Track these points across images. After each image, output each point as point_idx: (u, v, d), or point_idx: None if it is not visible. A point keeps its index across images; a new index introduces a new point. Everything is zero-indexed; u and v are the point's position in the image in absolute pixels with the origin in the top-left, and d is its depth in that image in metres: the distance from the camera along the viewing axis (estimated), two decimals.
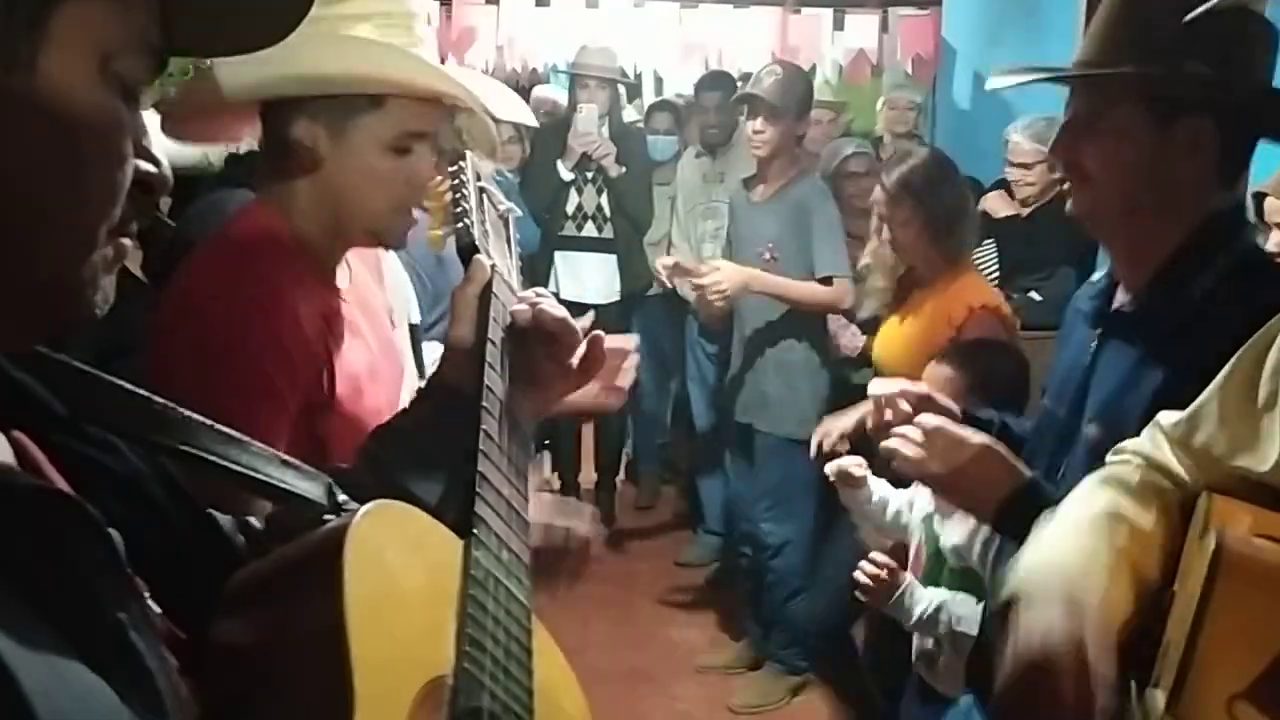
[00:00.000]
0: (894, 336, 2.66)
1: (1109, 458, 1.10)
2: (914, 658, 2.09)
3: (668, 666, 3.54)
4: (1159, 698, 0.84)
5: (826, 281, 3.15)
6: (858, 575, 1.99)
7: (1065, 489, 1.21)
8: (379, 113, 1.14)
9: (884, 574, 1.96)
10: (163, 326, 1.17)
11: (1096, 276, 1.47)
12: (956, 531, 1.96)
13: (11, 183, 0.49)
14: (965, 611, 1.93)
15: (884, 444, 1.36)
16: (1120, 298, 1.36)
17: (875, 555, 2.01)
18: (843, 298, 3.14)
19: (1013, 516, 1.26)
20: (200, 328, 1.13)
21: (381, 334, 1.34)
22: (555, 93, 4.94)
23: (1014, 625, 0.92)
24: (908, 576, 1.99)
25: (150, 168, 0.56)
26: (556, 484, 4.71)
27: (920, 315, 2.57)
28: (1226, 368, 0.99)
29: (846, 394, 3.55)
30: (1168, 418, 1.05)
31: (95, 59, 0.51)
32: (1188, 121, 1.24)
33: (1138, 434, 1.19)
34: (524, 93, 5.13)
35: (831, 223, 3.18)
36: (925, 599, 1.97)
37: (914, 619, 1.96)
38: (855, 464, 2.10)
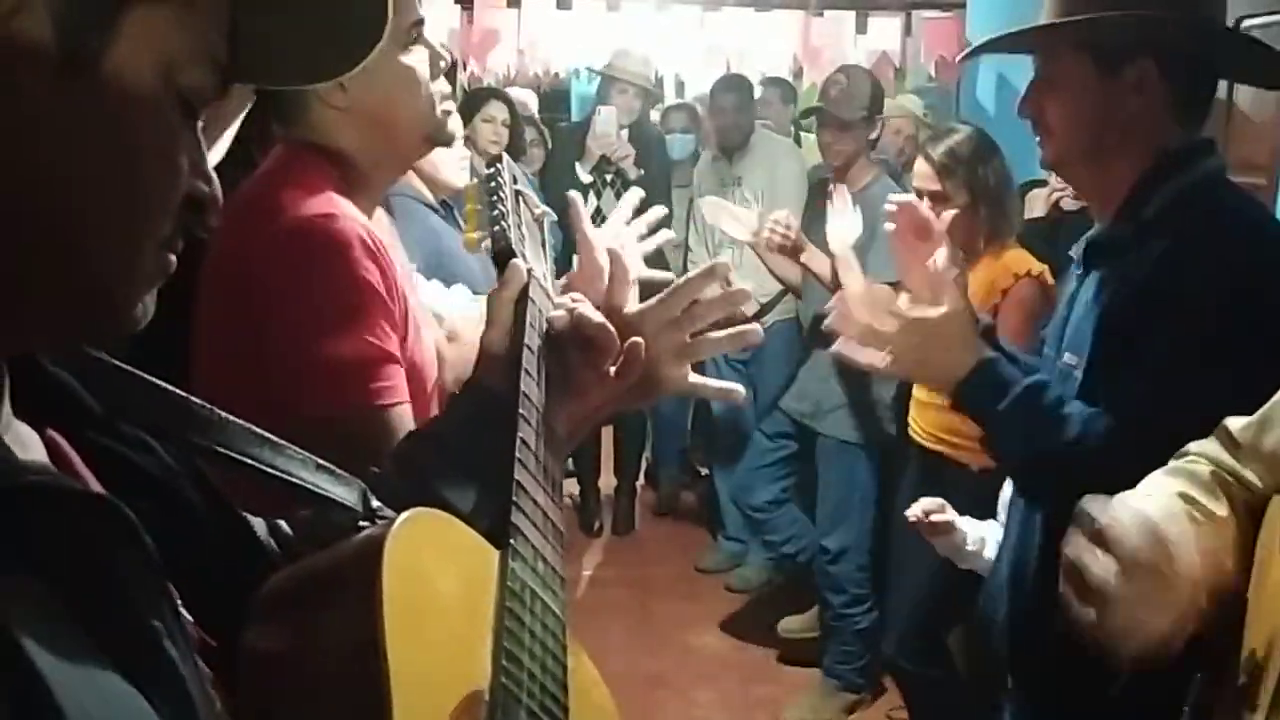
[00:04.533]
0: None
1: (1173, 460, 1.08)
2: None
3: (686, 672, 3.52)
4: (1254, 709, 0.82)
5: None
6: (908, 514, 1.94)
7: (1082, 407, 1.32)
8: None
9: (931, 518, 1.91)
10: (242, 279, 1.11)
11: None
12: None
13: (61, 181, 0.48)
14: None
15: (827, 321, 1.41)
16: (1095, 235, 1.46)
17: (923, 502, 1.96)
18: None
19: (976, 391, 1.35)
20: (292, 264, 1.07)
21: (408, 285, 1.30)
22: (523, 94, 4.92)
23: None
24: (964, 527, 1.93)
25: (204, 186, 0.54)
26: (575, 488, 4.70)
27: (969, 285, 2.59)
28: None
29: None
30: (1235, 422, 1.03)
31: (159, 67, 0.50)
32: (1133, 68, 1.33)
33: (1094, 360, 1.31)
34: (545, 96, 5.15)
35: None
36: (977, 536, 1.91)
37: (965, 556, 1.92)
38: (936, 507, 1.98)
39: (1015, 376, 1.36)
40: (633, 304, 0.99)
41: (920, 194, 2.59)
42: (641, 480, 4.85)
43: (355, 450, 0.90)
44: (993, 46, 1.49)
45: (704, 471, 4.86)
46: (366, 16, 0.58)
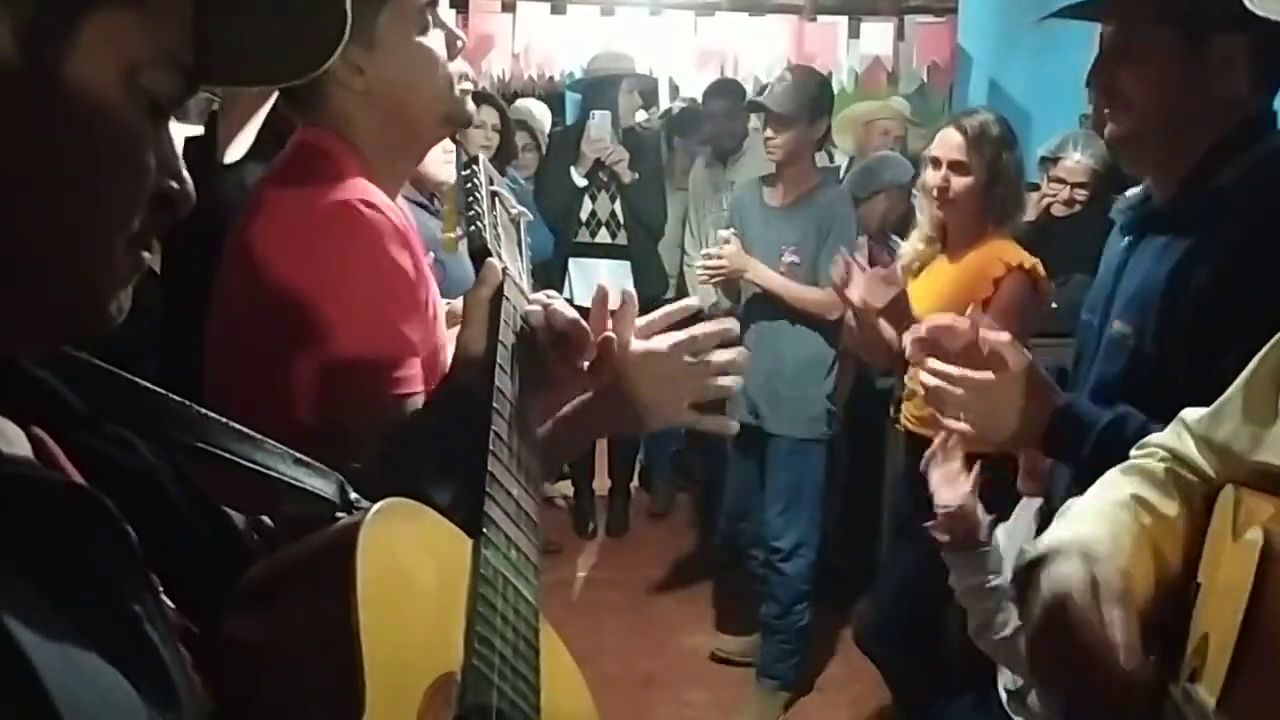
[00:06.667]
0: (928, 291, 2.65)
1: (1133, 452, 1.10)
2: (1005, 701, 2.02)
3: (680, 673, 3.54)
4: (1202, 693, 0.84)
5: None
6: (938, 507, 1.88)
7: (1092, 388, 1.33)
8: (393, 2, 1.12)
9: (966, 516, 1.85)
10: (266, 267, 1.09)
11: (1133, 191, 1.52)
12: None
13: (28, 184, 0.50)
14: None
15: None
16: (1153, 203, 1.42)
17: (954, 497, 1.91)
18: (830, 306, 3.13)
19: (1059, 442, 1.32)
20: (320, 249, 1.06)
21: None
22: (535, 105, 4.96)
23: (1034, 582, 0.94)
24: (993, 538, 1.88)
25: (174, 184, 0.56)
26: (570, 490, 4.72)
27: (957, 270, 2.59)
28: (1251, 364, 0.99)
29: (867, 397, 3.58)
30: (1192, 413, 1.05)
31: (121, 69, 0.52)
32: (1219, 40, 1.29)
33: (1159, 326, 1.27)
34: (540, 100, 5.16)
35: (848, 236, 3.19)
36: (1000, 570, 1.83)
37: (974, 581, 1.86)
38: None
39: (1095, 416, 1.32)
40: (637, 344, 1.05)
41: (939, 162, 2.59)
42: (635, 482, 4.87)
43: (370, 435, 0.94)
44: (1069, 13, 1.42)
45: (697, 475, 4.88)
46: (327, 20, 0.60)
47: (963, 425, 1.37)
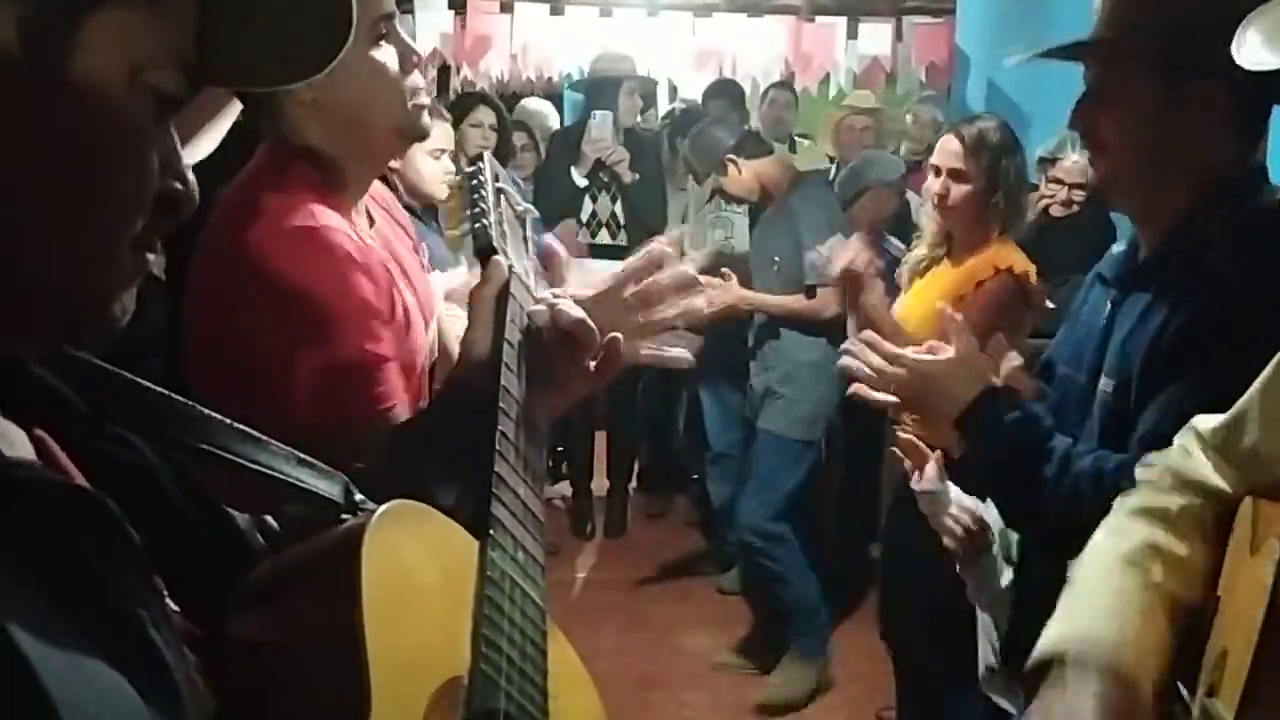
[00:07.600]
0: (924, 294, 2.63)
1: (1137, 472, 1.08)
2: (981, 679, 2.03)
3: (678, 673, 3.54)
4: (1219, 708, 0.83)
5: (814, 290, 3.23)
6: (948, 524, 1.94)
7: (1086, 448, 1.30)
8: None
9: (973, 529, 1.91)
10: (228, 287, 1.12)
11: (1119, 247, 1.50)
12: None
13: (32, 184, 0.49)
14: None
15: (842, 362, 1.44)
16: (1139, 259, 1.42)
17: (963, 509, 1.97)
18: (820, 309, 3.17)
19: (976, 424, 1.34)
20: (279, 275, 1.08)
21: (413, 274, 1.30)
22: (544, 106, 4.96)
23: (1049, 697, 0.91)
24: (995, 542, 1.94)
25: (178, 185, 0.56)
26: (568, 492, 4.72)
27: (952, 274, 2.58)
28: (1266, 372, 0.98)
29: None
30: (1205, 422, 1.03)
31: (125, 69, 0.51)
32: (1198, 86, 1.28)
33: (1142, 385, 1.27)
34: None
35: (816, 228, 3.21)
36: (1008, 572, 1.91)
37: (998, 589, 1.84)
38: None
39: (1018, 408, 1.33)
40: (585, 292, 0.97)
41: (939, 170, 2.56)
42: (634, 483, 4.86)
43: (351, 452, 0.88)
44: (1052, 54, 1.42)
45: (695, 475, 4.88)
46: (332, 18, 0.59)
47: (891, 400, 1.40)
